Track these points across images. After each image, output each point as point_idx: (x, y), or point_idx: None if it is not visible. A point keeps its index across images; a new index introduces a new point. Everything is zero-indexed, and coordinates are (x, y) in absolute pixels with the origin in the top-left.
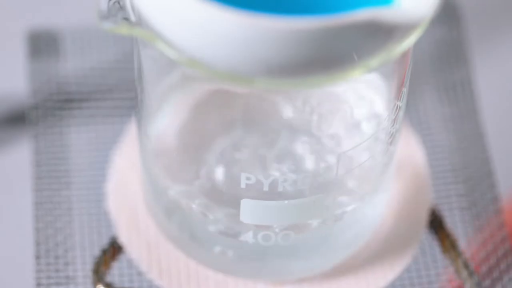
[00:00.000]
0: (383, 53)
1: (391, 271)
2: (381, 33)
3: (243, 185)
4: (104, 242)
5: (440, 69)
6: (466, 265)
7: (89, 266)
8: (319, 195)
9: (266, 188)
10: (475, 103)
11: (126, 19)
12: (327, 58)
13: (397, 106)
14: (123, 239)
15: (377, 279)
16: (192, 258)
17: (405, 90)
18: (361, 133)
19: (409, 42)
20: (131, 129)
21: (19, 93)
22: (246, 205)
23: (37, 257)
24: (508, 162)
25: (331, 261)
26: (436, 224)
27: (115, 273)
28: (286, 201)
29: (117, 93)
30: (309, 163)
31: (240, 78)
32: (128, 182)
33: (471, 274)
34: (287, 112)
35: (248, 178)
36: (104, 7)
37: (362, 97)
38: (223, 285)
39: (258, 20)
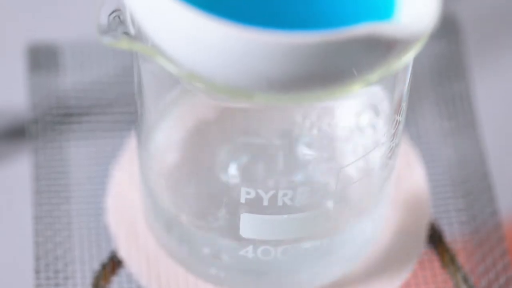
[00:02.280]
0: (383, 68)
1: (391, 285)
2: (380, 48)
3: (242, 200)
4: (104, 256)
5: (439, 83)
6: (465, 280)
7: (88, 280)
8: (318, 209)
9: (265, 203)
10: (474, 117)
11: (126, 33)
12: (327, 72)
13: (397, 120)
14: (123, 253)
15: None
16: (191, 273)
17: (404, 104)
18: (361, 148)
19: (408, 56)
20: (131, 143)
21: (19, 107)
22: (246, 219)
23: (37, 271)
24: (507, 177)
25: (330, 276)
26: (435, 238)
27: (114, 287)
28: (285, 216)
29: (117, 107)
30: (309, 178)
31: (240, 93)
32: (128, 197)
33: None
34: (287, 126)
35: (247, 193)
36: (104, 21)
37: (362, 112)
38: None
39: (258, 35)
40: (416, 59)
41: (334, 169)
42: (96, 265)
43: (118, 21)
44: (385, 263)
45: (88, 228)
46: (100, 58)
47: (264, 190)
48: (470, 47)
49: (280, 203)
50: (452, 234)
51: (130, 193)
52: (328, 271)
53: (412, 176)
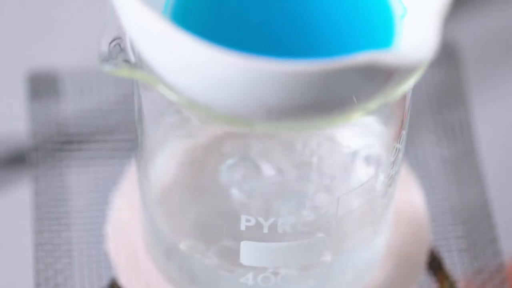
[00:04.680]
0: (382, 96)
1: None
2: (380, 76)
3: (242, 227)
4: (104, 283)
5: (439, 110)
6: None
7: None
8: (318, 237)
9: (265, 230)
10: (473, 144)
11: (127, 61)
12: (327, 101)
13: (397, 148)
14: (123, 280)
15: None
16: None
17: (404, 132)
18: (360, 175)
19: (408, 85)
20: (131, 171)
21: (19, 135)
22: (246, 247)
23: None
24: (507, 204)
25: None
26: (435, 265)
27: None
28: (286, 243)
29: (117, 135)
30: (309, 205)
31: (239, 121)
32: (128, 224)
33: None
34: (287, 154)
35: (247, 220)
36: (104, 49)
37: (361, 140)
38: None
39: (257, 63)
40: (416, 86)
41: (334, 197)
42: None
43: (119, 49)
44: None
45: (89, 256)
46: (100, 85)
47: (264, 217)
48: (470, 74)
49: (280, 230)
50: (451, 261)
51: (130, 221)
52: None
53: (411, 203)
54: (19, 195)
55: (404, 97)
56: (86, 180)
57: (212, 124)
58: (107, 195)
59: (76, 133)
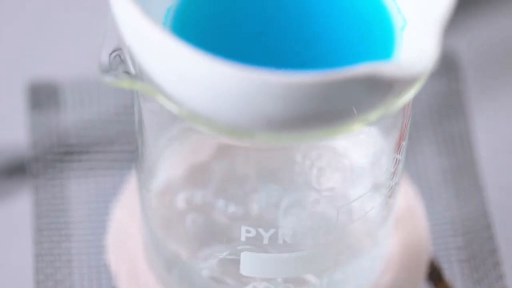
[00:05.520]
0: (383, 107)
1: None
2: (380, 88)
3: (243, 238)
4: None
5: (439, 121)
6: None
7: None
8: (319, 247)
9: (266, 241)
10: (473, 155)
11: (127, 72)
12: (327, 112)
13: (397, 159)
14: None
15: None
16: None
17: (404, 143)
18: (361, 187)
19: (408, 96)
20: (131, 181)
21: (20, 145)
22: (246, 257)
23: None
24: (507, 215)
25: None
26: (435, 276)
27: None
28: (286, 254)
29: (117, 145)
30: (309, 216)
31: (240, 132)
32: (128, 235)
33: None
34: (287, 165)
35: (248, 231)
36: (105, 60)
37: (361, 151)
38: None
39: (258, 75)
40: (416, 97)
41: (334, 208)
42: None
43: (119, 60)
44: None
45: (89, 266)
46: (100, 96)
47: (264, 228)
48: (470, 85)
49: (280, 241)
50: (451, 272)
51: (130, 231)
52: None
53: (412, 214)
54: (19, 206)
55: (404, 108)
56: (86, 191)
57: (212, 135)
58: (107, 206)
59: (76, 144)
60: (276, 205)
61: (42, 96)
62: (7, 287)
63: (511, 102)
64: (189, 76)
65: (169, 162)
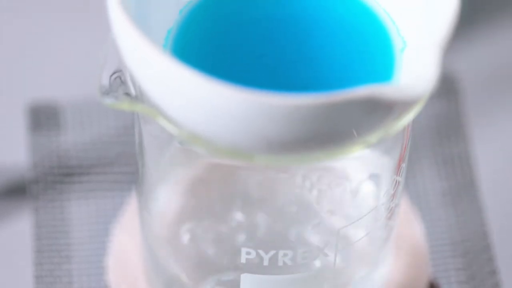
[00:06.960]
0: (382, 129)
1: None
2: (380, 110)
3: (243, 260)
4: None
5: (439, 143)
6: None
7: None
8: (319, 269)
9: (266, 263)
10: (473, 176)
11: (127, 94)
12: (327, 134)
13: (396, 181)
14: None
15: None
16: None
17: (404, 165)
18: (361, 208)
19: (408, 118)
20: (131, 203)
21: (20, 166)
22: (247, 279)
23: None
24: (506, 236)
25: None
26: None
27: None
28: (286, 276)
29: (118, 166)
30: (309, 238)
31: (240, 154)
32: (129, 256)
33: None
34: (287, 187)
35: (248, 253)
36: (105, 82)
37: (361, 172)
38: None
39: (258, 97)
40: (416, 119)
41: (334, 230)
42: None
43: (119, 82)
44: None
45: None
46: (100, 117)
47: (264, 250)
48: (470, 107)
49: (280, 263)
50: None
51: (131, 252)
52: None
53: (411, 235)
54: (20, 227)
55: (404, 130)
56: (87, 212)
57: (212, 157)
58: (108, 227)
59: (76, 165)
60: (276, 227)
61: (42, 118)
62: None
63: (510, 124)
64: (189, 98)
65: (168, 184)
